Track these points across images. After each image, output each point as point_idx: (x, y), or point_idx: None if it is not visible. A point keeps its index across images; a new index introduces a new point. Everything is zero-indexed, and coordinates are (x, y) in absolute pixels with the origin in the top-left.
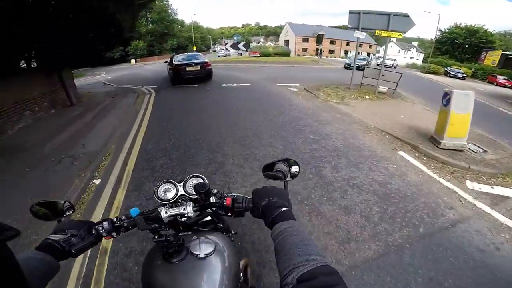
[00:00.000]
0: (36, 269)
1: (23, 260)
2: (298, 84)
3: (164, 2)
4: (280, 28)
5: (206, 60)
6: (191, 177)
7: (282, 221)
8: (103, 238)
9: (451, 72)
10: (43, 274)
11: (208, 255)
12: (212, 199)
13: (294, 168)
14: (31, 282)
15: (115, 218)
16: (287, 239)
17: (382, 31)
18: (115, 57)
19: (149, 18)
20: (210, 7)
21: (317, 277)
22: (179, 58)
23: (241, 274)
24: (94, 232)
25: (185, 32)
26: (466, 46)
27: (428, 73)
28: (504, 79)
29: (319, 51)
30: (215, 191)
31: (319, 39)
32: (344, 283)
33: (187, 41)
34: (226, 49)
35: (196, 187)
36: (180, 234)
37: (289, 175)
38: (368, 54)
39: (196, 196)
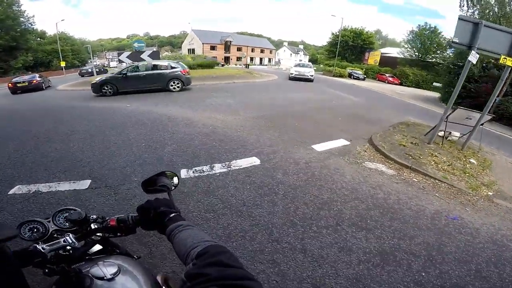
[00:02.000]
0: None
1: None
2: (346, 142)
3: (14, 8)
4: (175, 37)
5: (36, 78)
6: (60, 211)
7: (172, 224)
8: None
9: (354, 74)
10: None
11: (115, 274)
12: (94, 226)
13: (175, 180)
14: None
15: None
16: (180, 234)
17: (507, 58)
18: None
19: None
20: (85, 16)
21: (209, 251)
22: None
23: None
24: None
25: (48, 45)
26: (353, 48)
27: (335, 77)
28: (391, 76)
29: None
30: (94, 217)
31: (227, 46)
32: (230, 251)
33: (51, 56)
34: (120, 61)
35: (69, 217)
36: (73, 266)
37: (172, 187)
38: (269, 60)
39: (74, 228)
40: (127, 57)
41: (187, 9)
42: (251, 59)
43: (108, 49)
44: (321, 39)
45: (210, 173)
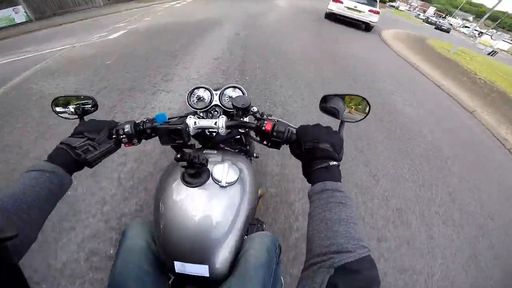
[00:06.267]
0: (44, 188)
1: (28, 179)
2: None
3: None
4: None
5: None
6: (229, 87)
7: (327, 180)
8: (122, 145)
9: None
10: (52, 193)
11: (230, 184)
12: (249, 119)
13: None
14: (38, 204)
15: (139, 122)
16: (332, 209)
17: None
18: None
19: None
20: None
21: (362, 271)
22: None
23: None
24: (114, 136)
25: None
26: None
27: None
28: None
29: None
30: (255, 109)
31: None
32: (379, 278)
33: None
34: None
35: (235, 100)
36: (205, 152)
37: (348, 118)
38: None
39: (232, 111)
40: None
41: None
42: None
43: None
44: None
45: None
